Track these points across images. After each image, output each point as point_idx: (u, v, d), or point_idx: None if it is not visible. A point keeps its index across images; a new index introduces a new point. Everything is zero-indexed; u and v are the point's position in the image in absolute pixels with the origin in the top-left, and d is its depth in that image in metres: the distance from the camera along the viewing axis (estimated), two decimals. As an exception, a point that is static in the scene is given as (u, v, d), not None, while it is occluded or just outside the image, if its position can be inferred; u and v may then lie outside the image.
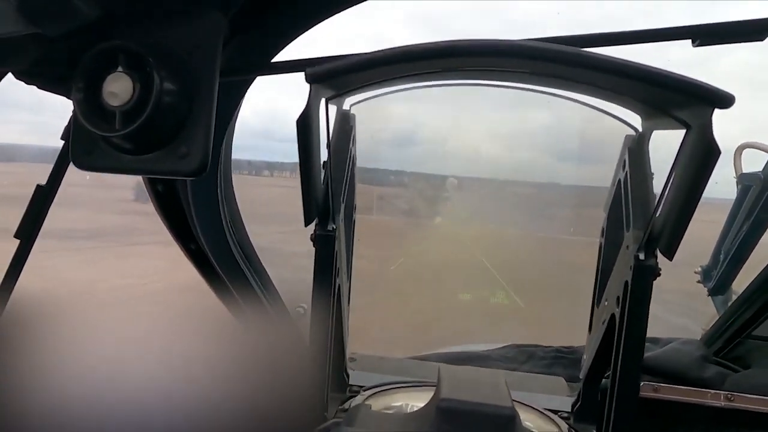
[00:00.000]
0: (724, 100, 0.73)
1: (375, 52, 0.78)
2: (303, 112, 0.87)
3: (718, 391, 1.41)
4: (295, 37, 1.08)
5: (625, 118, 1.06)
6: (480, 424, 0.93)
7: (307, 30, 1.09)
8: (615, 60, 0.74)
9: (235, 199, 1.48)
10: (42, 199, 1.01)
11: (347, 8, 1.03)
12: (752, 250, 1.81)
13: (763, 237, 1.83)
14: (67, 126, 0.99)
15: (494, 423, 0.93)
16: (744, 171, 1.75)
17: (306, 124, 0.88)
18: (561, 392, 1.48)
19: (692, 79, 0.73)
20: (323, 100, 0.91)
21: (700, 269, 2.10)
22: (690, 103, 0.79)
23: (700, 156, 0.80)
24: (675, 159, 0.86)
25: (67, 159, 1.02)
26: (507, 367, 1.77)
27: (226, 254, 1.51)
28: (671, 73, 0.75)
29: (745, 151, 1.77)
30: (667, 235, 0.90)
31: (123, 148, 0.87)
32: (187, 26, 0.87)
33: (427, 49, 0.73)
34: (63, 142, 1.02)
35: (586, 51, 0.75)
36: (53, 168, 1.03)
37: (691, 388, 1.44)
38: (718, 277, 1.92)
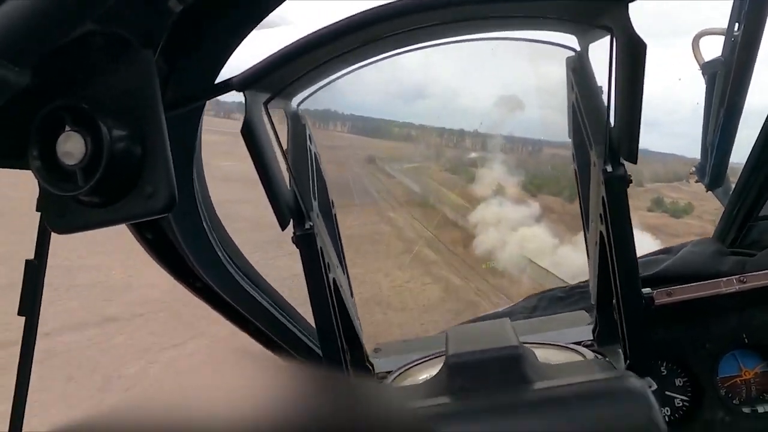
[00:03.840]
0: None
1: (293, 42, 0.79)
2: (244, 121, 0.89)
3: (730, 277, 1.42)
4: (230, 55, 1.09)
5: (562, 42, 1.07)
6: (489, 368, 0.95)
7: (240, 42, 1.10)
8: None
9: (222, 227, 1.50)
10: (35, 273, 1.04)
11: (269, 13, 1.04)
12: (735, 135, 1.81)
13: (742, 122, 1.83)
14: (39, 197, 1.02)
15: (502, 363, 0.95)
16: (706, 61, 1.75)
17: (251, 133, 0.89)
18: (583, 323, 1.50)
19: None
20: (263, 106, 0.92)
21: (694, 169, 2.10)
22: (605, 7, 0.80)
23: (630, 53, 0.81)
24: (609, 66, 0.88)
25: (47, 228, 1.05)
26: (530, 317, 1.78)
27: (231, 283, 1.53)
28: None
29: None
30: (625, 141, 0.91)
31: (92, 202, 0.90)
32: (118, 70, 0.89)
33: (343, 26, 0.75)
34: (39, 213, 1.04)
35: None
36: (37, 241, 1.06)
37: (702, 282, 1.45)
38: (710, 170, 1.92)
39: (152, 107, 0.89)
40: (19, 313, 1.02)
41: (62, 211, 0.91)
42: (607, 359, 1.14)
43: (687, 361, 1.54)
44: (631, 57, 0.81)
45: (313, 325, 1.82)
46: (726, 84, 1.68)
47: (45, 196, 0.91)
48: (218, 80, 1.14)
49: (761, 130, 1.67)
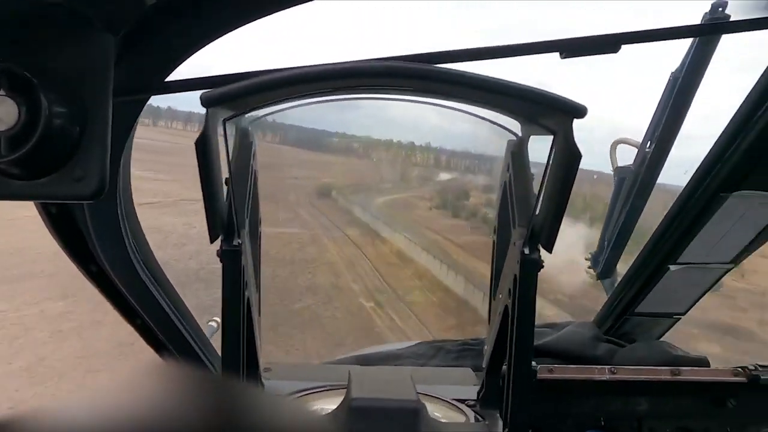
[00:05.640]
0: (579, 111, 0.83)
1: (267, 75, 0.81)
2: (201, 134, 0.89)
3: (603, 366, 1.56)
4: (188, 56, 1.08)
5: (506, 125, 1.16)
6: (390, 419, 0.99)
7: (201, 48, 1.10)
8: (485, 78, 0.82)
9: (136, 217, 1.45)
10: None
11: (239, 27, 1.05)
12: (630, 235, 2.01)
13: (641, 223, 2.04)
14: None
15: (402, 417, 1.00)
16: (618, 165, 1.94)
17: (205, 146, 0.90)
18: (469, 382, 1.58)
19: (553, 93, 0.83)
20: (221, 121, 0.93)
21: (590, 255, 2.29)
22: (553, 113, 0.89)
23: (566, 159, 0.91)
24: (546, 162, 0.97)
25: None
26: (418, 363, 1.85)
27: (130, 275, 1.47)
28: (535, 88, 0.84)
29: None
30: (546, 231, 1.01)
31: (11, 173, 0.85)
32: (74, 48, 0.86)
33: (316, 72, 0.78)
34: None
35: (459, 71, 0.82)
36: None
37: (581, 366, 1.58)
38: (603, 262, 2.11)
39: (101, 91, 0.86)
40: None
41: None
42: (487, 423, 1.22)
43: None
44: (566, 163, 0.91)
45: (205, 331, 1.78)
46: (631, 190, 1.87)
47: None
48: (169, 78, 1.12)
49: (651, 236, 1.86)
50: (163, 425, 0.27)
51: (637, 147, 1.83)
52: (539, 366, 1.47)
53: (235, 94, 0.83)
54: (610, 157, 1.96)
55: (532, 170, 1.14)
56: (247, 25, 1.11)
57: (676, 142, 1.76)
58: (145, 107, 1.27)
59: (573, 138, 0.88)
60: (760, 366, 1.54)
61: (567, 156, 0.90)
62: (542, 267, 1.05)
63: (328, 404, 1.21)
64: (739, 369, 1.56)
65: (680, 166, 1.74)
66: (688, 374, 1.54)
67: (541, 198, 1.01)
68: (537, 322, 2.16)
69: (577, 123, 1.01)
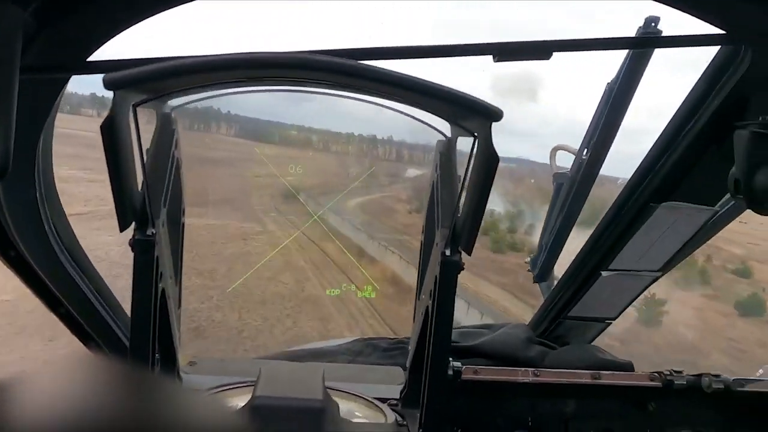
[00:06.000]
0: (496, 115, 0.84)
1: (178, 60, 0.78)
2: (107, 118, 0.85)
3: (527, 369, 1.59)
4: (113, 36, 1.04)
5: (437, 126, 1.16)
6: (292, 418, 0.98)
7: (127, 28, 1.06)
8: (408, 78, 0.82)
9: (59, 201, 1.39)
10: None
11: (166, 9, 1.01)
12: (567, 239, 2.05)
13: (579, 229, 2.08)
14: None
15: (305, 416, 0.99)
16: (557, 171, 1.98)
17: (112, 131, 0.86)
18: (396, 381, 1.58)
19: (471, 96, 0.83)
20: (130, 106, 0.89)
21: (529, 259, 2.33)
22: (474, 116, 0.90)
23: (485, 162, 0.91)
24: (467, 164, 0.97)
25: None
26: (348, 360, 1.85)
27: (51, 260, 1.42)
28: (457, 91, 0.84)
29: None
30: (465, 234, 1.01)
31: None
32: None
33: (228, 60, 0.75)
34: None
35: (379, 68, 0.82)
36: None
37: (505, 368, 1.61)
38: (540, 265, 2.14)
39: (5, 66, 0.81)
40: None
41: None
42: (405, 423, 1.22)
43: (477, 431, 1.68)
44: (485, 166, 0.91)
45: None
46: (567, 196, 1.91)
47: None
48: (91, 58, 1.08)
49: (586, 242, 1.91)
50: (58, 415, 0.26)
51: (574, 154, 1.87)
52: (464, 367, 1.49)
53: (140, 78, 0.80)
54: (550, 163, 2.00)
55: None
56: (179, 8, 1.08)
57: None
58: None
59: (491, 141, 0.89)
60: (675, 371, 1.60)
61: (486, 159, 0.91)
62: (462, 269, 1.06)
63: (243, 401, 1.20)
64: (656, 374, 1.61)
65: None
66: (608, 378, 1.58)
67: (462, 200, 1.02)
68: (475, 323, 2.21)
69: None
